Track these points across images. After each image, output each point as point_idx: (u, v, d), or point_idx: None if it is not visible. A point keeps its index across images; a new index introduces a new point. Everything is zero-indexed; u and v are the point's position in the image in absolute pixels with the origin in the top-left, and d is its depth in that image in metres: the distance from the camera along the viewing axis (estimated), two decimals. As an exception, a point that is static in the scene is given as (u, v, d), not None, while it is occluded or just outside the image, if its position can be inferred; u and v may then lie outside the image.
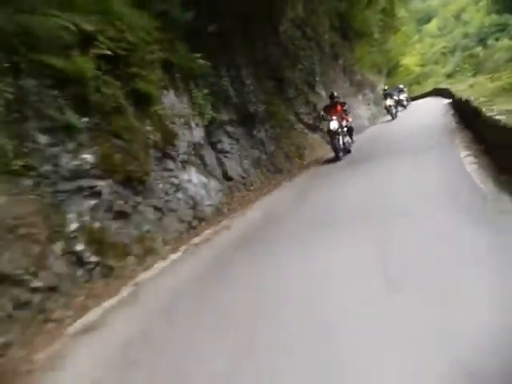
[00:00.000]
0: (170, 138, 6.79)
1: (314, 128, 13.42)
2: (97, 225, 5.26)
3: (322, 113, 11.43)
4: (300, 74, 13.72)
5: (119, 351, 3.23)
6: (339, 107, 11.29)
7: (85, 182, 5.26)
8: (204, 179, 7.54)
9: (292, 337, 2.76)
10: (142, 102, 6.13)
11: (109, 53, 5.67)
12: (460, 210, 4.20)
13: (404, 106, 23.09)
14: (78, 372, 3.05)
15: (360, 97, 18.87)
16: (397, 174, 7.05)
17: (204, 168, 7.72)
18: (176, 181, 6.76)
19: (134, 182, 5.82)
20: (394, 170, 7.43)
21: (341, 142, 10.61)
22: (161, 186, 6.35)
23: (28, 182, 4.78)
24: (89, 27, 5.63)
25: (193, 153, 7.41)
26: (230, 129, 9.01)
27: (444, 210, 4.40)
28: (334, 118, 10.69)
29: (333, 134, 10.48)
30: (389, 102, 18.89)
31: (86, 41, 5.53)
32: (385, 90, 19.45)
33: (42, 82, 5.01)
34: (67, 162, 5.11)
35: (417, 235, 3.93)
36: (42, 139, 4.96)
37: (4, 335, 3.75)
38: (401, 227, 4.29)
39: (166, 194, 6.46)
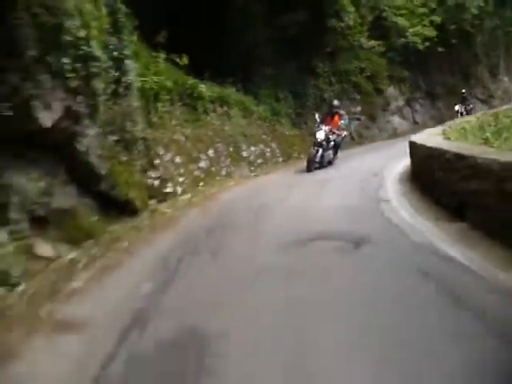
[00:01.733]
0: (387, 104, 18.10)
1: (484, 101, 22.10)
2: (357, 129, 17.11)
3: (317, 118, 11.19)
4: (482, 69, 22.47)
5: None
6: (337, 118, 11.11)
7: (357, 116, 17.14)
8: (402, 121, 18.58)
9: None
10: (379, 92, 17.62)
11: (369, 74, 17.25)
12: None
13: None
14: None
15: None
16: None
17: (402, 117, 18.71)
18: (388, 120, 18.06)
19: (372, 118, 17.43)
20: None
21: (318, 154, 10.34)
22: (381, 120, 17.80)
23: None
24: (362, 66, 17.34)
25: (397, 110, 18.53)
26: (420, 101, 19.60)
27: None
28: (324, 128, 10.52)
29: (315, 144, 10.40)
30: (457, 107, 17.98)
31: (361, 71, 17.24)
32: (462, 93, 18.64)
33: (348, 85, 16.99)
34: (353, 109, 17.08)
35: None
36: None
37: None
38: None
39: (384, 124, 17.86)
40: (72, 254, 4.31)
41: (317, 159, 10.32)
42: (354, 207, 5.85)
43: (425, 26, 16.30)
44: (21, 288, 3.44)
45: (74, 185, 4.89)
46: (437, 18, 16.57)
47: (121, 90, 6.30)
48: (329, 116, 11.19)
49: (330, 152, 10.87)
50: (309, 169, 10.15)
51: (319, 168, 10.39)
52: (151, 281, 3.78)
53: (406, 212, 5.25)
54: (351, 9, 14.60)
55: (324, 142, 10.37)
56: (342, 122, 11.16)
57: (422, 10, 17.25)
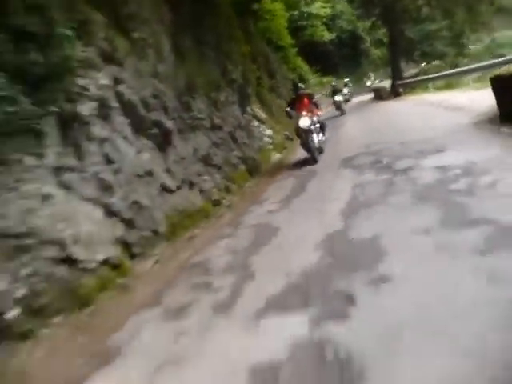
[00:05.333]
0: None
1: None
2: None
3: (288, 108, 10.22)
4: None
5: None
6: (306, 100, 10.10)
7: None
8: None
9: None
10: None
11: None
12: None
13: None
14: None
15: None
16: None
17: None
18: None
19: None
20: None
21: (315, 140, 9.52)
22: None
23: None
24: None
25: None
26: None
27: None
28: (304, 113, 9.58)
29: (305, 133, 9.40)
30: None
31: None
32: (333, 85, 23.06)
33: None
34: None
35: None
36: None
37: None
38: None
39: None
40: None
41: (316, 145, 9.51)
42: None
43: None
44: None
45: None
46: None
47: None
48: (297, 101, 10.09)
49: (321, 136, 10.18)
50: (314, 159, 9.18)
51: (319, 154, 9.50)
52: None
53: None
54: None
55: (312, 127, 9.48)
56: (314, 99, 10.53)
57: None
